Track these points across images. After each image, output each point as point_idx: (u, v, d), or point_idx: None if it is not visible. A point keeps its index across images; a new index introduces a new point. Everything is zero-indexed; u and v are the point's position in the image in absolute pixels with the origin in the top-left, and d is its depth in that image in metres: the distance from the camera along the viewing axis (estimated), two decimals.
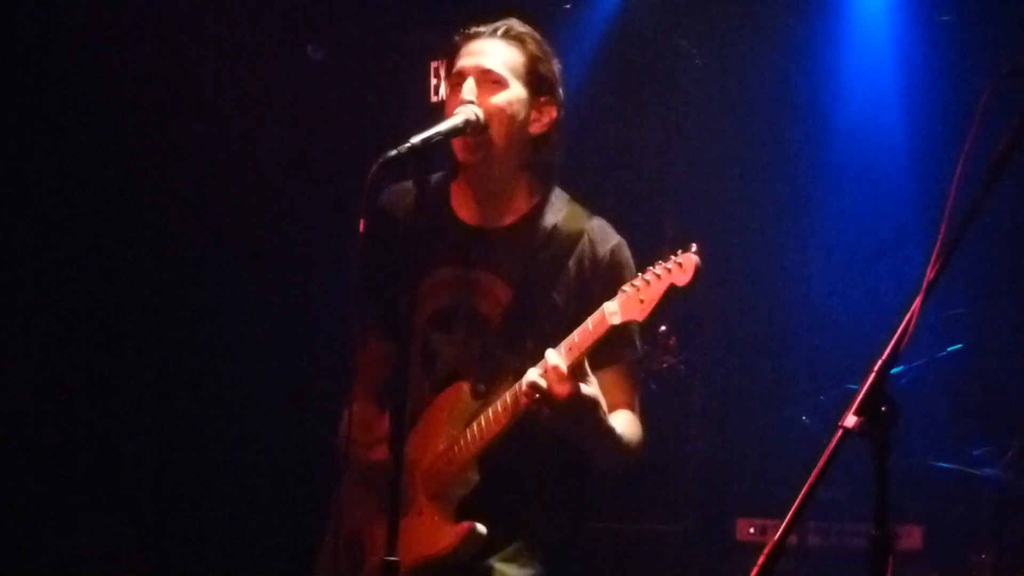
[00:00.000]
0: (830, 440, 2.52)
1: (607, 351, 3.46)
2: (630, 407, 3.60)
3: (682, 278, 3.22)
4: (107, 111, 6.46)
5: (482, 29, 3.68)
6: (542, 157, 3.69)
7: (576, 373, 3.32)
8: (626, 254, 3.64)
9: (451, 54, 3.69)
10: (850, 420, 2.52)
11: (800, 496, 2.50)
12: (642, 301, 3.26)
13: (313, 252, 6.75)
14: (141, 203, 6.61)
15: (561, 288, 3.59)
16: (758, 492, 6.16)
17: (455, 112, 3.52)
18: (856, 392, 2.56)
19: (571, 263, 3.61)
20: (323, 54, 7.05)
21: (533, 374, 3.34)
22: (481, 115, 3.52)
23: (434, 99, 6.80)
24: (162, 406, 6.56)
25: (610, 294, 3.38)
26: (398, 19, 6.97)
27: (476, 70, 3.59)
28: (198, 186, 6.67)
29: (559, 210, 3.68)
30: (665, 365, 6.19)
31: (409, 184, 3.47)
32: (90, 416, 6.40)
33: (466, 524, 3.55)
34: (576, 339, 3.33)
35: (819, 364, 6.53)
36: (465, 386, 3.60)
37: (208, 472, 6.52)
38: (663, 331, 6.11)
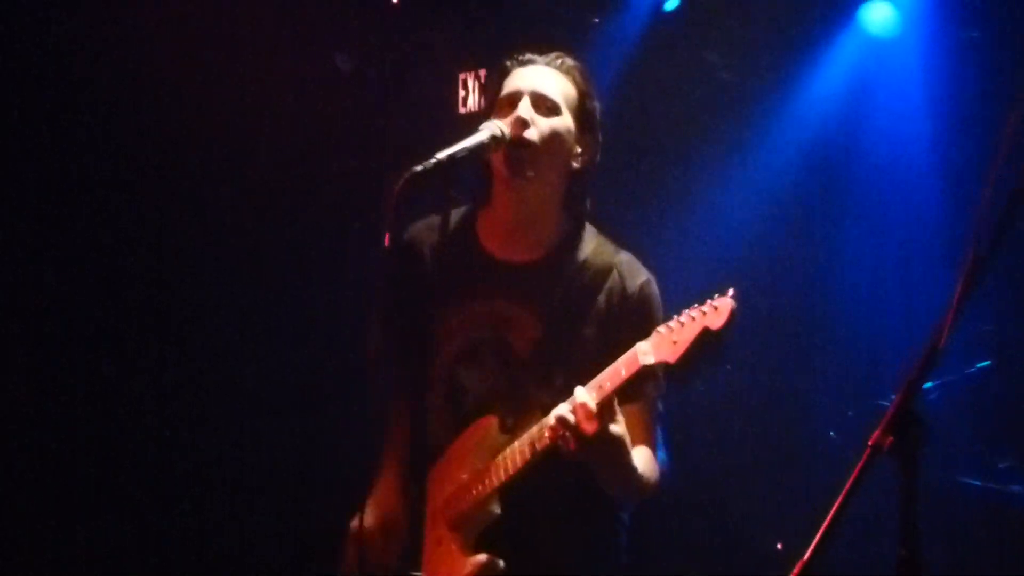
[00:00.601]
0: (858, 457, 2.52)
1: (631, 387, 3.44)
2: (649, 443, 3.58)
3: (717, 321, 3.22)
4: (129, 117, 6.53)
5: (537, 57, 3.68)
6: (576, 192, 3.68)
7: (605, 412, 3.31)
8: (654, 289, 3.63)
9: (499, 77, 3.68)
10: (879, 439, 2.51)
11: (830, 514, 2.50)
12: (675, 343, 3.25)
13: (330, 260, 6.81)
14: (165, 211, 6.68)
15: (591, 323, 3.58)
16: (786, 507, 6.15)
17: (480, 128, 3.51)
18: (886, 410, 2.55)
19: (601, 297, 3.59)
20: (352, 65, 7.08)
21: (563, 409, 3.33)
22: (507, 130, 3.51)
23: (462, 110, 6.82)
24: (162, 406, 6.60)
25: (639, 330, 3.37)
26: (426, 31, 7.00)
27: (533, 93, 3.58)
28: (219, 194, 6.74)
29: (588, 244, 3.66)
30: None
31: (436, 218, 3.50)
32: (90, 416, 6.46)
33: (483, 557, 3.53)
34: (607, 378, 3.32)
35: (847, 379, 6.51)
36: (493, 420, 3.58)
37: (208, 472, 6.58)
38: None
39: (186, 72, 6.61)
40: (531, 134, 3.54)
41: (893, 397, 2.57)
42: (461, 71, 6.82)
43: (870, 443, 2.53)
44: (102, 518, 6.39)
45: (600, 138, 3.72)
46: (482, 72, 6.71)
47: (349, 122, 6.98)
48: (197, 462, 6.53)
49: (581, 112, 3.64)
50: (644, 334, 3.37)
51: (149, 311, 6.63)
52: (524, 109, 3.55)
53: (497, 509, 3.54)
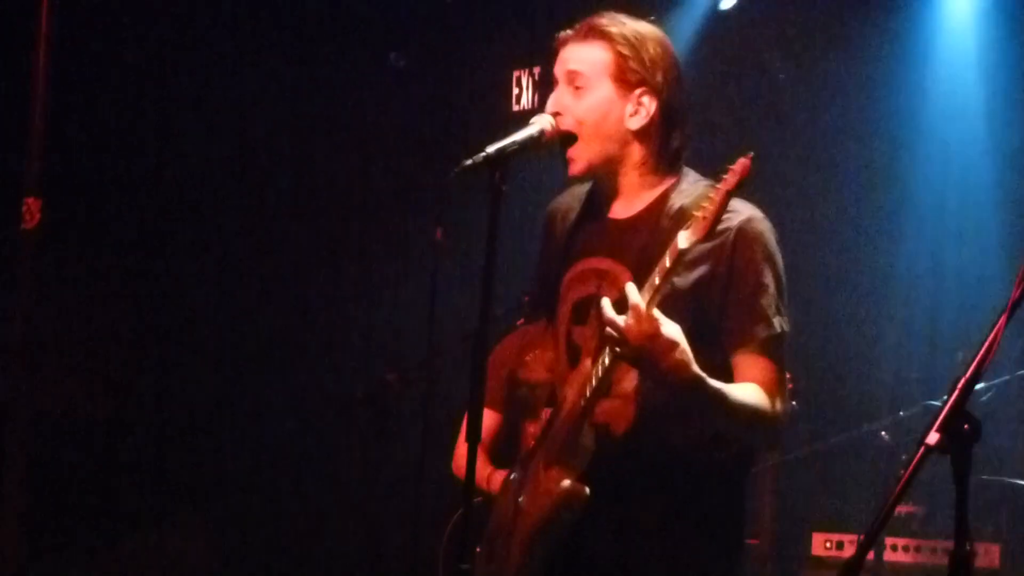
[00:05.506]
0: (910, 456, 2.51)
1: (738, 329, 3.36)
2: (760, 381, 3.36)
3: (733, 181, 3.15)
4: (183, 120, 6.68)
5: (569, 32, 3.60)
6: (661, 144, 3.58)
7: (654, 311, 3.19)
8: (754, 228, 3.41)
9: (549, 60, 3.64)
10: (932, 437, 2.51)
11: (881, 512, 2.49)
12: (704, 219, 3.16)
13: (386, 253, 6.90)
14: (217, 212, 6.82)
15: (680, 268, 3.42)
16: (834, 506, 6.13)
17: (531, 122, 3.48)
18: (938, 409, 2.55)
19: None
20: (405, 62, 7.13)
21: (610, 311, 3.23)
22: (556, 123, 3.48)
23: (516, 108, 6.85)
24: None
25: (736, 273, 3.33)
26: (480, 29, 7.03)
27: (563, 75, 3.54)
28: (269, 191, 6.87)
29: (688, 194, 3.54)
30: None
31: (582, 187, 3.57)
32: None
33: (570, 482, 3.39)
34: (656, 274, 3.22)
35: (900, 380, 6.49)
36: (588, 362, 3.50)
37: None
38: None
39: (237, 71, 6.70)
40: (566, 123, 3.48)
41: (945, 398, 2.56)
42: (515, 69, 6.85)
43: (922, 441, 2.52)
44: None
45: (661, 86, 3.58)
46: (536, 69, 6.73)
47: (403, 119, 7.02)
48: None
49: (621, 73, 3.53)
50: (736, 272, 3.32)
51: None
52: (551, 103, 3.50)
53: (590, 443, 3.40)
